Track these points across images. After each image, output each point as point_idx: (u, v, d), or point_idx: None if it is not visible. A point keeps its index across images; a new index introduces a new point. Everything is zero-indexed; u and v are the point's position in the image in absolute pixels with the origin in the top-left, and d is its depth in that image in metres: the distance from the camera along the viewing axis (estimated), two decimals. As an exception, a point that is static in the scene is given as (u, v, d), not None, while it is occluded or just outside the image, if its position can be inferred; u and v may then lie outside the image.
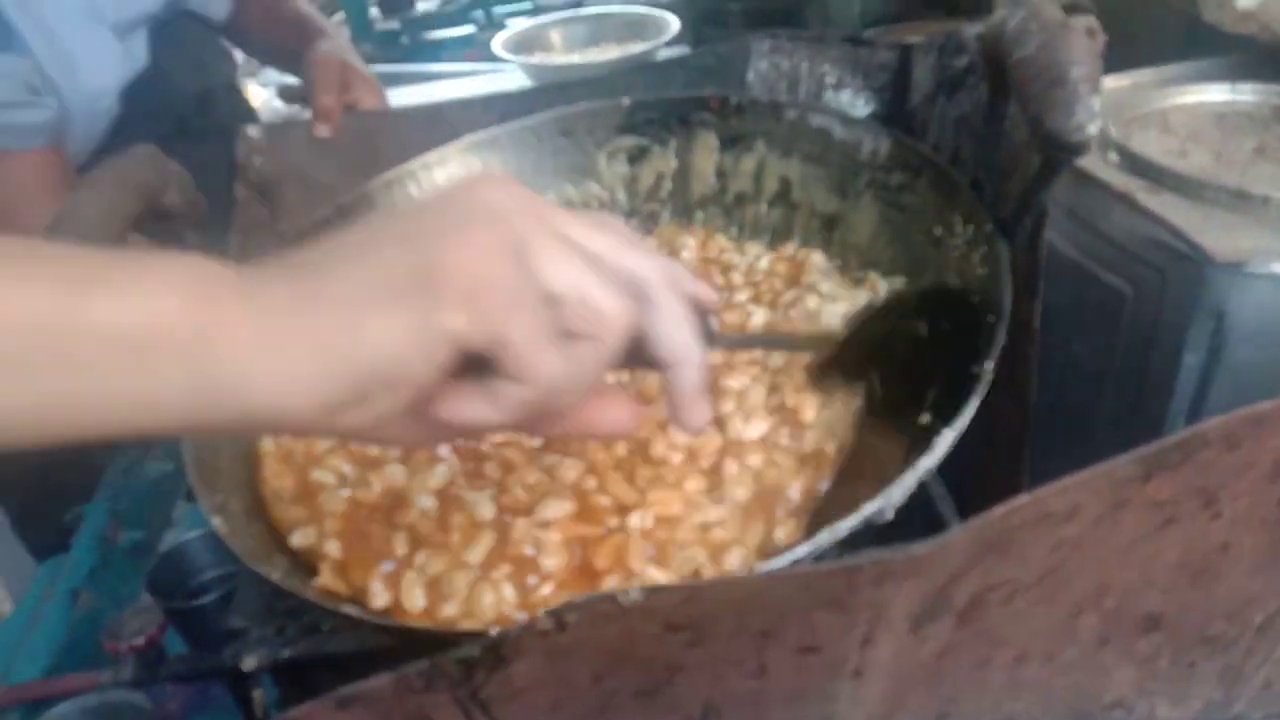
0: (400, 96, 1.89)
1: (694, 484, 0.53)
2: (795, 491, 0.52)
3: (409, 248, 0.34)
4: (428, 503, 0.54)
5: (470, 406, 0.36)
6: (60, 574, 0.80)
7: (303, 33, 1.09)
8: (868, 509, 0.42)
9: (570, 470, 0.55)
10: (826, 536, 0.41)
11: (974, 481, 0.58)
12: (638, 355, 0.40)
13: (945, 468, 0.47)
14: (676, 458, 0.55)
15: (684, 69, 0.85)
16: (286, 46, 1.10)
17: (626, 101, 0.76)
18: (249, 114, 1.29)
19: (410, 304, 0.33)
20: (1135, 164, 0.68)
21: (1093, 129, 0.48)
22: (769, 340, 0.61)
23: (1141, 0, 0.94)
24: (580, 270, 0.36)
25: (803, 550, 0.41)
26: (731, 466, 0.54)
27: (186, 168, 0.83)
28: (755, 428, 0.55)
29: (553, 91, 0.81)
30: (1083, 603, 0.42)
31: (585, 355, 0.36)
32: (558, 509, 0.52)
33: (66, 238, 0.49)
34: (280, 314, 0.33)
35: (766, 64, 0.81)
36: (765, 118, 0.73)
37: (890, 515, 0.43)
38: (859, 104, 0.79)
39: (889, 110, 0.76)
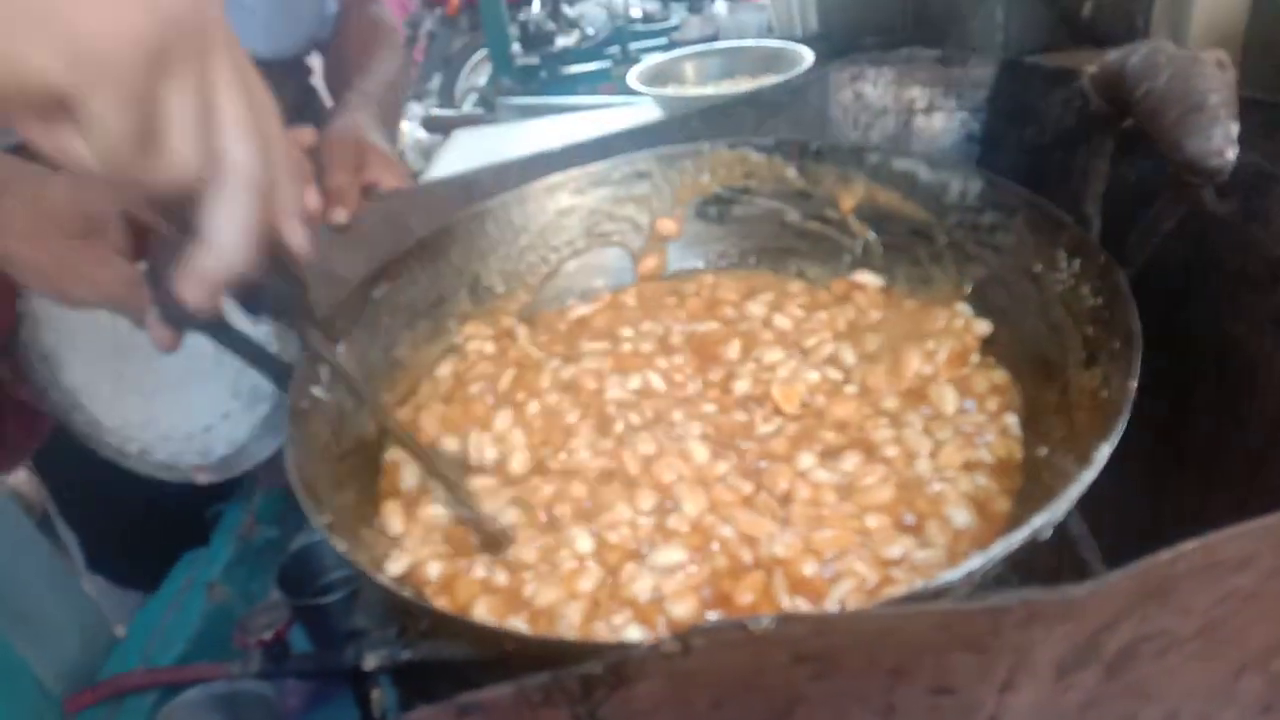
0: (537, 128, 1.95)
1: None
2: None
3: None
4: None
5: (42, 138, 0.37)
6: (198, 566, 0.83)
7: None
8: (1036, 521, 0.40)
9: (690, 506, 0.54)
10: (1000, 548, 0.39)
11: (1117, 526, 0.55)
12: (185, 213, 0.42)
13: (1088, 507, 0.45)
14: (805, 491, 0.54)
15: (754, 107, 0.82)
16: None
17: (706, 148, 0.75)
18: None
19: (16, 28, 0.34)
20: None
21: (1232, 153, 0.47)
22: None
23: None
24: (188, 114, 0.38)
25: (975, 563, 0.39)
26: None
27: None
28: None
29: (594, 147, 0.78)
30: (1247, 662, 0.39)
31: (142, 168, 0.38)
32: (670, 556, 0.51)
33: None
34: None
35: (849, 94, 0.79)
36: (846, 162, 0.71)
37: (1049, 534, 0.41)
38: (954, 126, 0.77)
39: (986, 131, 0.74)
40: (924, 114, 0.77)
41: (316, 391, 0.59)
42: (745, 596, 0.48)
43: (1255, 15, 0.99)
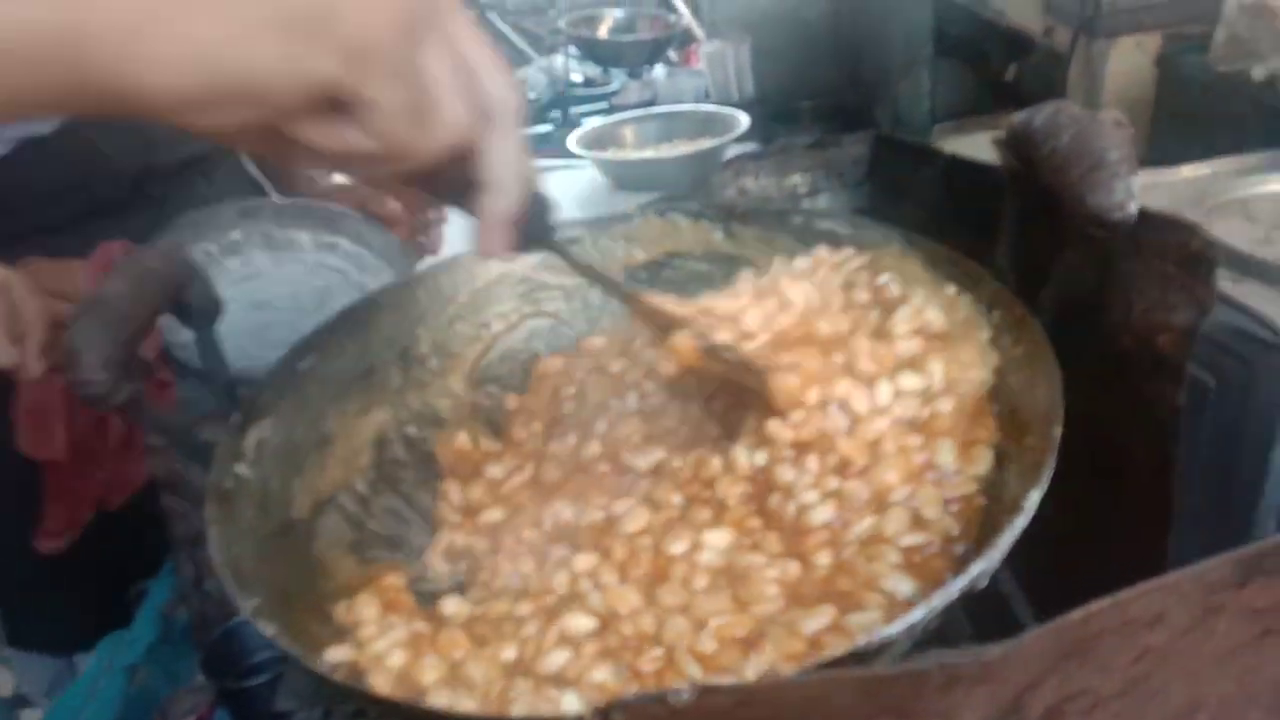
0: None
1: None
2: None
3: None
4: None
5: (320, 135, 0.40)
6: (119, 649, 0.80)
7: None
8: (973, 569, 0.41)
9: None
10: (940, 598, 0.40)
11: (1057, 585, 0.55)
12: (461, 175, 0.44)
13: (1021, 564, 0.45)
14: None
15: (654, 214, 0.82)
16: None
17: (635, 214, 0.76)
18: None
19: (296, 37, 0.36)
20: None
21: (1133, 207, 0.50)
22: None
23: (1222, 89, 0.92)
24: (449, 73, 0.41)
25: (917, 615, 0.39)
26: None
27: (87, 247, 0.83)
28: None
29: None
30: (1173, 719, 0.39)
31: (421, 137, 0.41)
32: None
33: (94, 322, 0.51)
34: (159, 10, 0.36)
35: (734, 191, 0.82)
36: (771, 224, 0.73)
37: (985, 582, 0.41)
38: (840, 204, 0.80)
39: (871, 203, 0.78)
40: (808, 198, 0.80)
41: (241, 470, 0.57)
42: (651, 667, 0.47)
43: (1161, 83, 1.04)
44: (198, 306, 0.60)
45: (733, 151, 1.77)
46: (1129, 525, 0.56)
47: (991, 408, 0.57)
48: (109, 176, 0.98)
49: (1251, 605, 0.34)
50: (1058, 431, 0.49)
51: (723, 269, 0.76)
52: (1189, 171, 0.80)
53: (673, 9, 2.77)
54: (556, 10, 3.94)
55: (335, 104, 0.39)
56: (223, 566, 0.49)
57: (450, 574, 0.62)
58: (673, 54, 2.64)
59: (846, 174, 0.84)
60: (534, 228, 0.50)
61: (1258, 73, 0.84)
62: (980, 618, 0.57)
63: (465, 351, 0.74)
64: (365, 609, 0.55)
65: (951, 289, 0.63)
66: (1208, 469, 0.60)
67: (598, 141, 1.84)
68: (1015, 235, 0.66)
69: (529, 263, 0.76)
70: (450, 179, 0.45)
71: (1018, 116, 0.61)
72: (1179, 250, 0.51)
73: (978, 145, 1.40)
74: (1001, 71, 1.78)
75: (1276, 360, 0.54)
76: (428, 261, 0.84)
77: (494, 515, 0.64)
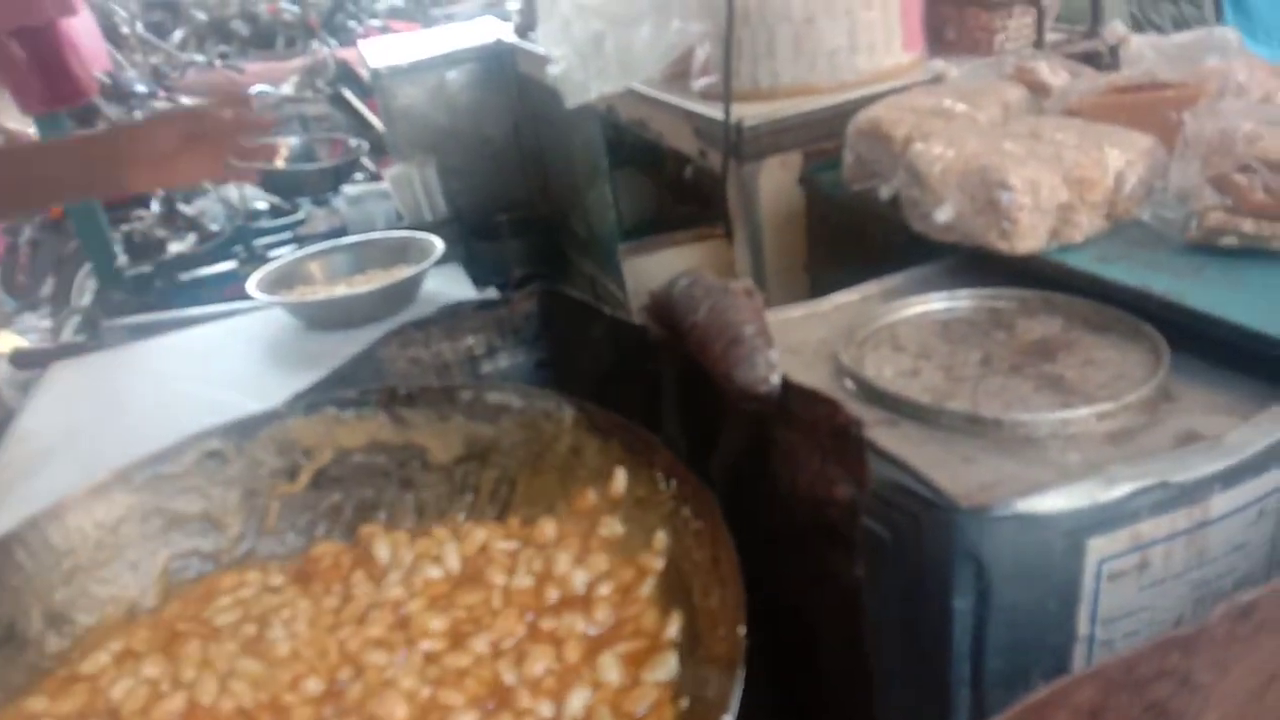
0: (153, 349, 1.76)
1: None
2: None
3: None
4: None
5: None
6: None
7: None
8: None
9: None
10: None
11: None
12: None
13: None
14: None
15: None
16: None
17: (283, 413, 0.69)
18: None
19: None
20: (871, 392, 0.68)
21: (775, 378, 0.52)
22: None
23: (857, 207, 0.99)
24: None
25: None
26: None
27: None
28: None
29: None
30: None
31: None
32: None
33: None
34: None
35: (404, 363, 0.78)
36: (439, 402, 0.69)
37: None
38: (520, 360, 0.78)
39: (550, 356, 0.77)
40: (487, 358, 0.77)
41: None
42: None
43: (808, 200, 1.11)
44: None
45: (431, 277, 1.72)
46: (833, 697, 0.55)
47: (666, 600, 0.55)
48: None
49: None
50: (742, 631, 0.47)
51: (397, 460, 0.70)
52: (840, 299, 0.83)
53: (367, 133, 2.70)
54: (234, 133, 3.76)
55: None
56: None
57: None
58: (368, 161, 2.56)
59: (521, 330, 0.82)
60: None
61: (884, 192, 0.90)
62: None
63: (92, 619, 0.62)
64: None
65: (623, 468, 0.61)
66: (895, 623, 0.60)
67: (284, 280, 1.71)
68: (679, 400, 0.65)
69: (159, 491, 0.65)
70: None
71: (657, 288, 0.61)
72: (828, 423, 0.51)
73: (665, 263, 1.44)
74: (679, 171, 1.86)
75: (940, 516, 0.56)
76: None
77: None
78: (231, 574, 0.67)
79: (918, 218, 0.84)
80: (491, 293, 1.83)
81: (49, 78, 1.90)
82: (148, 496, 0.66)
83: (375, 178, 2.60)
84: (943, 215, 0.79)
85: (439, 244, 1.74)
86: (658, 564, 0.59)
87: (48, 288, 3.76)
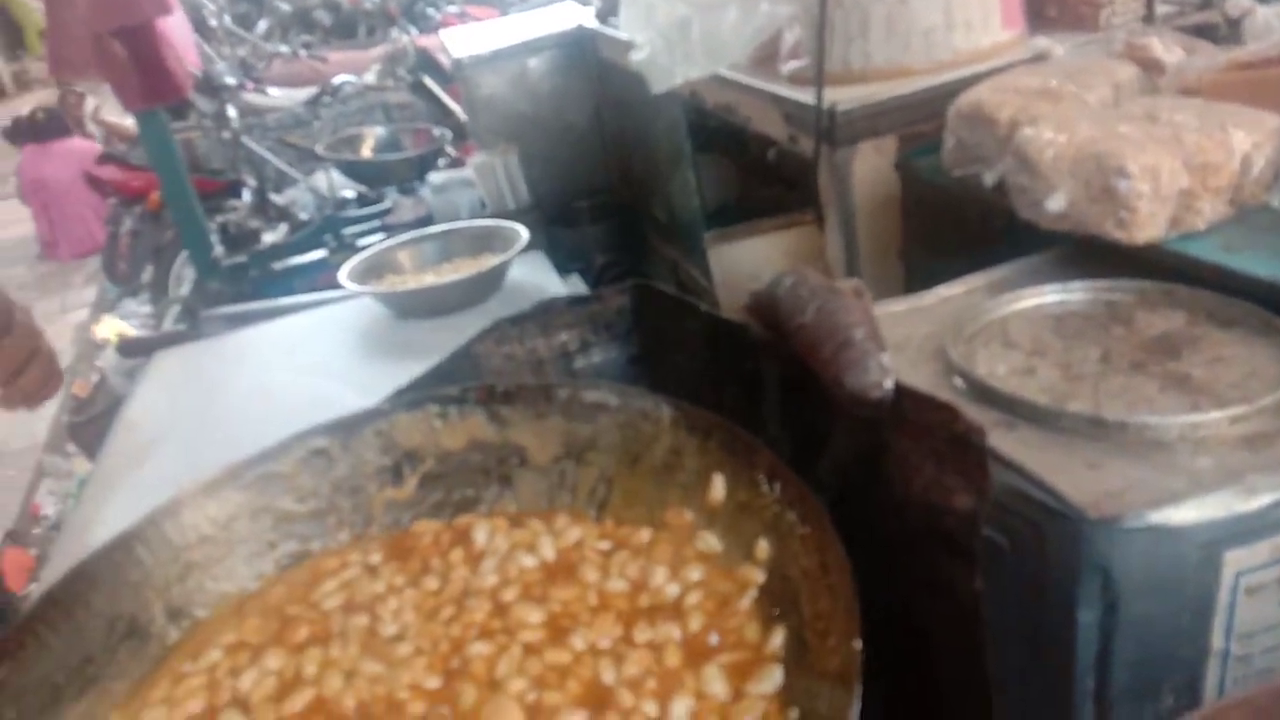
0: (249, 339, 1.81)
1: None
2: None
3: None
4: None
5: None
6: None
7: None
8: None
9: None
10: None
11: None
12: None
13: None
14: None
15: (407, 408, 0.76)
16: None
17: (386, 410, 0.70)
18: None
19: None
20: (984, 392, 0.65)
21: (889, 383, 0.50)
22: None
23: (958, 193, 0.96)
24: None
25: None
26: None
27: None
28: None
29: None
30: None
31: None
32: None
33: None
34: None
35: (500, 359, 0.78)
36: (537, 400, 0.68)
37: None
38: (613, 356, 0.77)
39: (642, 351, 0.76)
40: (581, 354, 0.76)
41: None
42: None
43: (903, 186, 1.07)
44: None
45: (517, 265, 1.73)
46: (948, 706, 0.53)
47: (769, 608, 0.54)
48: None
49: None
50: (858, 645, 0.45)
51: (496, 457, 0.70)
52: (945, 291, 0.81)
53: (447, 120, 2.73)
54: (321, 121, 3.84)
55: None
56: None
57: None
58: (450, 148, 2.59)
59: (614, 326, 0.81)
60: None
61: (988, 178, 0.87)
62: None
63: (205, 613, 0.64)
64: None
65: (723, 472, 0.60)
66: (1014, 633, 0.58)
67: (374, 270, 1.74)
68: (783, 402, 0.64)
69: (270, 490, 0.67)
70: None
71: (758, 287, 0.60)
72: (945, 430, 0.49)
73: (753, 251, 1.42)
74: (763, 154, 1.83)
75: (1066, 526, 0.54)
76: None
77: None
78: (333, 556, 0.68)
79: (1026, 205, 0.81)
80: (576, 281, 1.83)
81: (148, 75, 1.96)
82: (256, 495, 0.67)
83: (457, 164, 2.63)
84: (1055, 204, 0.76)
85: (524, 232, 1.75)
86: (758, 577, 0.58)
87: (147, 275, 3.91)
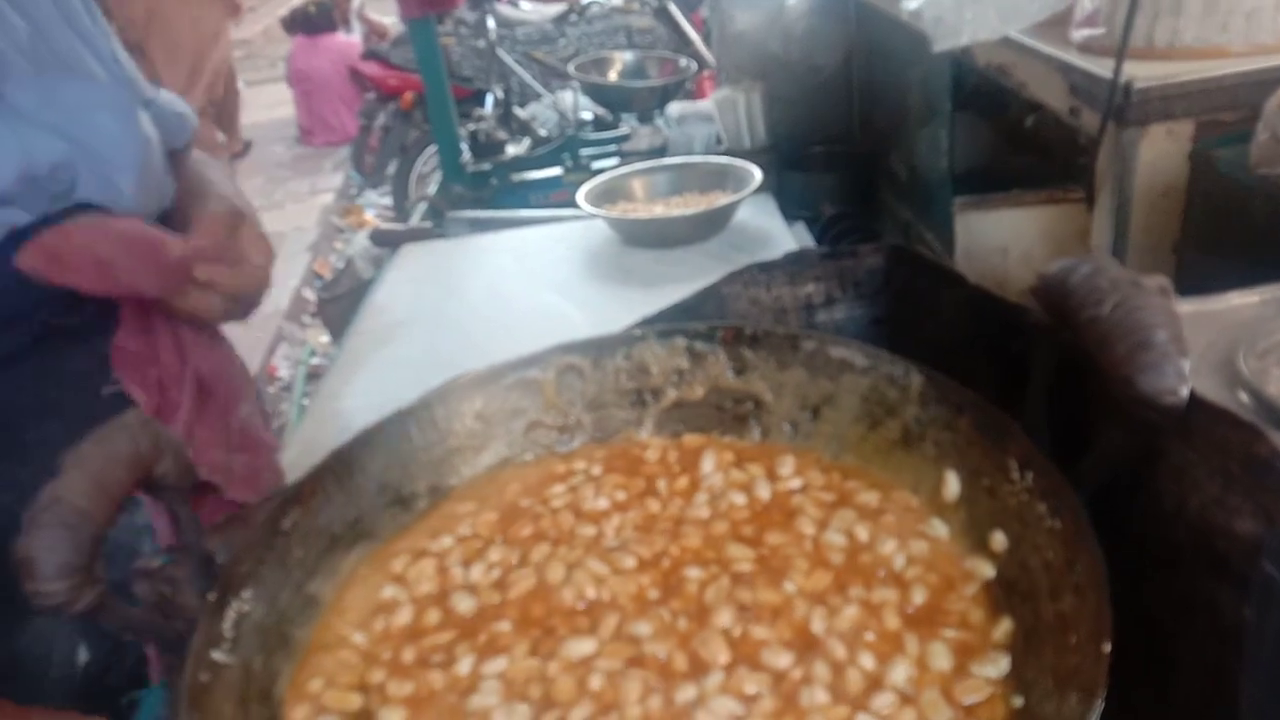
0: (487, 243, 1.92)
1: None
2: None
3: None
4: None
5: None
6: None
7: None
8: None
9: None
10: None
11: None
12: None
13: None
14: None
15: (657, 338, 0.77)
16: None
17: (637, 335, 0.72)
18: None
19: None
20: (1275, 415, 0.60)
21: (1184, 391, 0.47)
22: None
23: (1263, 191, 0.87)
24: None
25: None
26: None
27: (44, 375, 0.80)
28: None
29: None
30: None
31: None
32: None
33: (52, 525, 0.47)
34: None
35: (745, 302, 0.77)
36: (783, 350, 0.69)
37: None
38: (857, 314, 0.76)
39: (889, 313, 0.74)
40: (824, 308, 0.75)
41: (218, 656, 0.53)
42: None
43: (1194, 178, 0.99)
44: (170, 482, 0.55)
45: (746, 206, 1.73)
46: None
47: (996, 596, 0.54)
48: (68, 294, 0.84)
49: None
50: (1107, 648, 0.44)
51: (734, 399, 0.72)
52: (1237, 299, 0.74)
53: (686, 49, 2.73)
54: (567, 39, 3.94)
55: None
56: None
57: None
58: (687, 84, 2.60)
59: (863, 283, 0.80)
60: None
61: (1304, 181, 0.79)
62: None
63: (457, 491, 0.70)
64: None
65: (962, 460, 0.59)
66: (1275, 668, 0.54)
67: (607, 195, 1.80)
68: (1049, 391, 0.61)
69: (523, 393, 0.71)
70: None
71: (1051, 269, 0.57)
72: (1241, 449, 0.46)
73: (1007, 223, 1.35)
74: (1021, 119, 1.73)
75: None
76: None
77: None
78: (560, 460, 0.72)
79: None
80: (800, 230, 1.82)
81: (427, -17, 2.07)
82: (515, 396, 0.72)
83: (691, 97, 2.64)
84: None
85: (757, 173, 1.74)
86: (987, 571, 0.57)
87: (391, 169, 4.19)
